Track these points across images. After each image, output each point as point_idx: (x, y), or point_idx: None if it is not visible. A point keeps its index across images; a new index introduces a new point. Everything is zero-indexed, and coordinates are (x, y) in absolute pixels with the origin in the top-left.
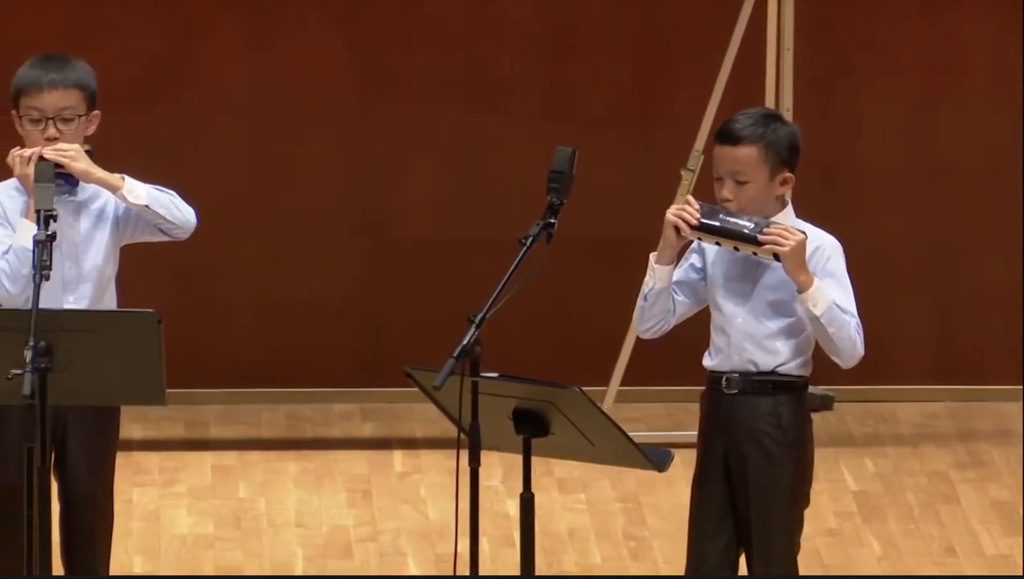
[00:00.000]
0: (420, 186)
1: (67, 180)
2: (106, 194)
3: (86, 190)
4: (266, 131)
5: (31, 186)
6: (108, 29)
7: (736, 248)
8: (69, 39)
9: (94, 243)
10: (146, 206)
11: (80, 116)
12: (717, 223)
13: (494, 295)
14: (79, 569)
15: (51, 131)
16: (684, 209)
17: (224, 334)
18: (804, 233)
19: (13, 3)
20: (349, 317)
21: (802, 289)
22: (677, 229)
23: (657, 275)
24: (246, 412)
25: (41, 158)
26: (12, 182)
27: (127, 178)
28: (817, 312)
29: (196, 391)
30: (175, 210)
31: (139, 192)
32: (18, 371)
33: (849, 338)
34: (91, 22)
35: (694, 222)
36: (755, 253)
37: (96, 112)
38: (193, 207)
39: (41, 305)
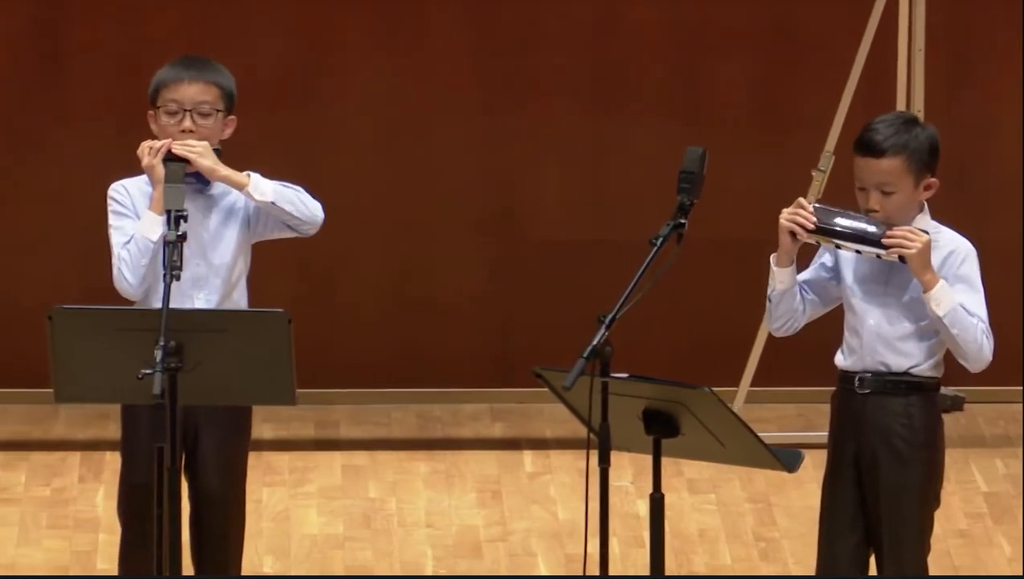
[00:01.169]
0: (549, 186)
1: (198, 177)
2: (236, 192)
3: (217, 187)
4: (395, 132)
5: (157, 177)
6: (239, 30)
7: (858, 251)
8: (200, 41)
9: (224, 240)
10: (272, 203)
11: (218, 112)
12: (836, 227)
13: (624, 295)
14: (210, 570)
15: (187, 123)
16: (798, 213)
17: (354, 334)
18: (927, 233)
19: (145, 5)
20: (479, 317)
21: (926, 289)
22: (793, 234)
23: (777, 277)
24: (376, 412)
25: (170, 152)
26: (144, 176)
27: (253, 175)
28: (940, 312)
29: (326, 391)
30: (301, 205)
31: (264, 189)
32: (148, 371)
33: (975, 341)
34: (222, 23)
35: (809, 226)
36: (879, 256)
37: (232, 116)
38: (320, 202)
39: (174, 307)
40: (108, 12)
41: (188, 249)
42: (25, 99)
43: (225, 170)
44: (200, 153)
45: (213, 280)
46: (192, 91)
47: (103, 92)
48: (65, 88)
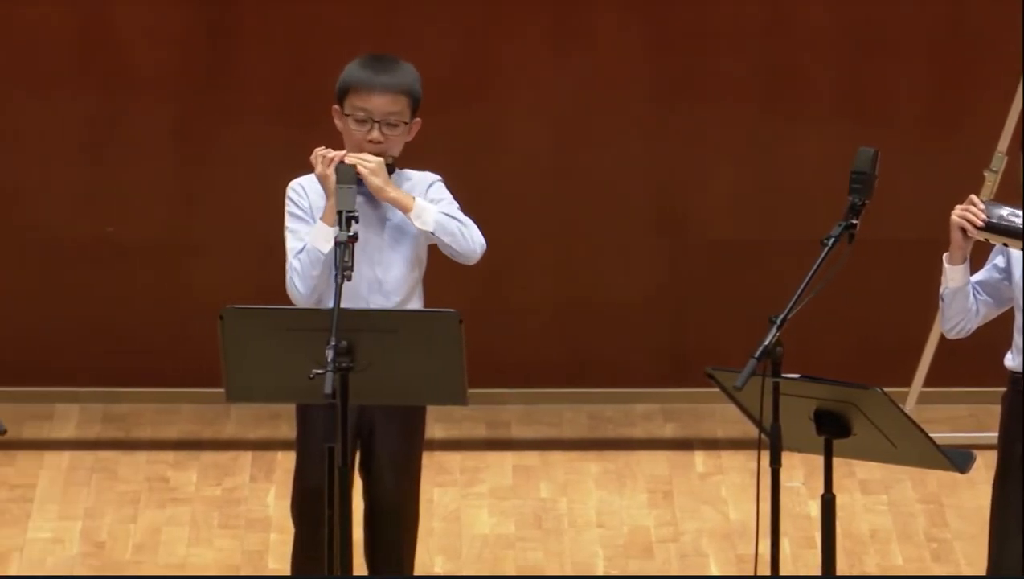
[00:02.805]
0: (720, 187)
1: None
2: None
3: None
4: (566, 131)
5: (330, 188)
6: (410, 30)
7: None
8: (371, 41)
9: (400, 244)
10: (431, 233)
11: (404, 123)
12: (1005, 223)
13: (796, 296)
14: (383, 570)
15: (375, 134)
16: (968, 209)
17: (525, 334)
18: None
19: (315, 5)
20: (650, 317)
21: None
22: (963, 230)
23: (949, 276)
24: (547, 412)
25: (342, 162)
26: None
27: (418, 201)
28: None
29: (498, 391)
30: (460, 239)
31: (426, 218)
32: (319, 371)
33: None
34: (393, 23)
35: (979, 223)
36: None
37: (417, 119)
38: (482, 236)
39: (346, 307)
40: (278, 12)
41: (364, 253)
42: (195, 99)
43: (393, 192)
44: (373, 171)
45: (389, 284)
46: (382, 102)
47: (272, 92)
48: (234, 88)
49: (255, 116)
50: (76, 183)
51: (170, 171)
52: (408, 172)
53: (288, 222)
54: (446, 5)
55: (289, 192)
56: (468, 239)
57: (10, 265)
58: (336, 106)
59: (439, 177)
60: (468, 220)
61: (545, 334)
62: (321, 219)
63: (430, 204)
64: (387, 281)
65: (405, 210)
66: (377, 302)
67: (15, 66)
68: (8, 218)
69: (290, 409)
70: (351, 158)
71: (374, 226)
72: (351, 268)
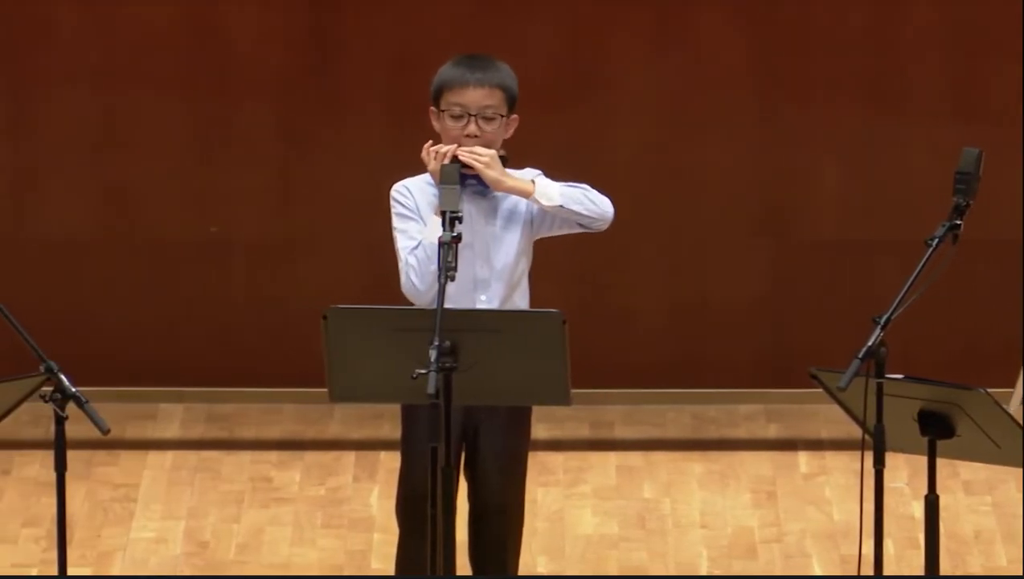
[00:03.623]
0: (824, 187)
1: (479, 180)
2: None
3: None
4: (670, 132)
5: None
6: (514, 29)
7: None
8: (474, 39)
9: (506, 242)
10: (560, 206)
11: (501, 116)
12: None
13: (899, 296)
14: (488, 571)
15: (472, 128)
16: None
17: (629, 334)
18: None
19: (419, 2)
20: (754, 318)
21: None
22: None
23: None
24: (651, 412)
25: (454, 158)
26: (425, 176)
27: (538, 181)
28: None
29: (601, 391)
30: (589, 204)
31: (551, 193)
32: (422, 370)
33: None
34: (496, 21)
35: None
36: None
37: (515, 116)
38: (608, 196)
39: (452, 304)
40: (382, 9)
41: (471, 251)
42: (299, 96)
43: (511, 181)
44: (487, 164)
45: (495, 282)
46: (477, 96)
47: (377, 89)
48: (339, 85)
49: (359, 116)
50: (182, 183)
51: (274, 171)
52: (509, 171)
53: (396, 223)
54: (549, 5)
55: (394, 194)
56: (596, 202)
57: (116, 265)
58: (432, 108)
59: (539, 171)
60: (587, 186)
61: (649, 334)
62: (435, 214)
63: (550, 181)
64: (494, 278)
65: (526, 194)
66: (483, 300)
67: (124, 67)
68: (115, 218)
69: (394, 409)
70: (463, 153)
71: (485, 216)
72: (455, 268)
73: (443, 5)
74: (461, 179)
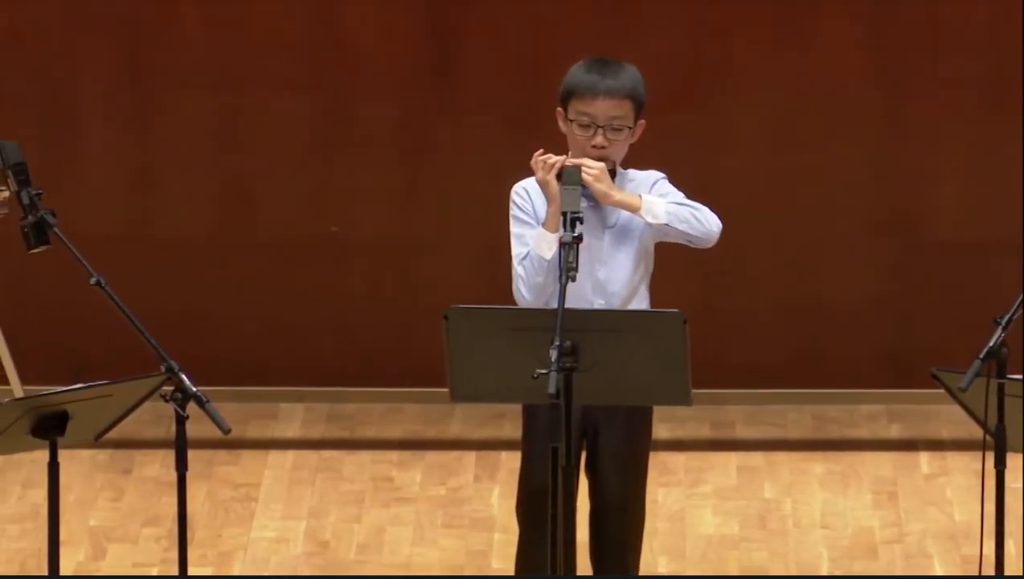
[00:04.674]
0: (947, 187)
1: None
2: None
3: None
4: (790, 132)
5: (551, 193)
6: (634, 30)
7: None
8: (595, 41)
9: (624, 245)
10: (665, 224)
11: (628, 128)
12: None
13: (1021, 296)
14: (608, 571)
15: (599, 139)
16: None
17: (750, 334)
18: None
19: (540, 4)
20: (876, 318)
21: None
22: None
23: None
24: (772, 413)
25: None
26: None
27: (644, 197)
28: None
29: (722, 391)
30: (696, 223)
31: (657, 211)
32: (543, 370)
33: None
34: (617, 23)
35: None
36: None
37: (641, 121)
38: (717, 216)
39: (571, 308)
40: (503, 11)
41: (588, 254)
42: (420, 96)
43: (619, 195)
44: (596, 177)
45: (613, 285)
46: (606, 106)
47: (497, 89)
48: (460, 85)
49: (480, 116)
50: (302, 182)
51: (395, 170)
52: (632, 172)
53: (513, 227)
54: (670, 4)
55: (513, 196)
56: (703, 221)
57: (237, 265)
58: (560, 109)
59: (663, 174)
60: (698, 204)
61: (770, 334)
62: (543, 226)
63: (658, 197)
64: (611, 283)
65: (633, 210)
66: (601, 304)
67: (246, 67)
68: (237, 217)
69: (515, 409)
70: (572, 164)
71: (596, 229)
72: (575, 269)
73: (564, 4)
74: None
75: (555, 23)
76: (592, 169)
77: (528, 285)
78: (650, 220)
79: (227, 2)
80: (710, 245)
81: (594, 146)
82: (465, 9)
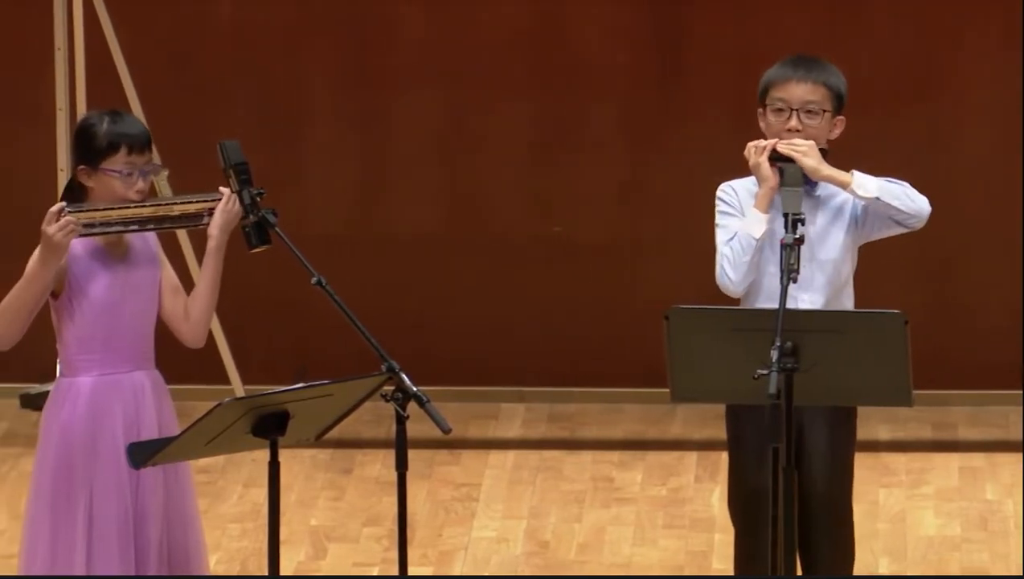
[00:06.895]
0: None
1: (804, 178)
2: (844, 193)
3: (824, 188)
4: (1019, 130)
5: (763, 176)
6: (858, 29)
7: None
8: (818, 39)
9: (830, 241)
10: (877, 198)
11: (825, 112)
12: None
13: None
14: (819, 570)
15: (793, 122)
16: None
17: (973, 334)
18: None
19: (767, 6)
20: None
21: None
22: None
23: None
24: (995, 414)
25: (775, 151)
26: (752, 178)
27: (856, 173)
28: None
29: (945, 392)
30: (907, 200)
31: (869, 186)
32: (764, 371)
33: None
34: (840, 21)
35: None
36: None
37: (841, 117)
38: (925, 197)
39: (773, 303)
40: (728, 10)
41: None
42: (644, 98)
43: (828, 170)
44: (804, 152)
45: (819, 281)
46: (800, 90)
47: (721, 91)
48: (684, 86)
49: (704, 117)
50: (526, 183)
51: (619, 171)
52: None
53: (719, 219)
54: (893, 3)
55: (719, 193)
56: (914, 199)
57: (460, 264)
58: (759, 109)
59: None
60: (906, 184)
61: (994, 334)
62: (754, 206)
63: (868, 175)
64: (817, 273)
65: (844, 185)
66: (805, 299)
67: (471, 68)
68: (461, 217)
69: None
70: (783, 145)
71: (810, 214)
72: (797, 270)
73: (788, 8)
74: (780, 173)
75: (777, 21)
76: (801, 146)
77: (734, 266)
78: (861, 193)
79: (452, 4)
80: (920, 225)
81: (788, 129)
82: (690, 9)
